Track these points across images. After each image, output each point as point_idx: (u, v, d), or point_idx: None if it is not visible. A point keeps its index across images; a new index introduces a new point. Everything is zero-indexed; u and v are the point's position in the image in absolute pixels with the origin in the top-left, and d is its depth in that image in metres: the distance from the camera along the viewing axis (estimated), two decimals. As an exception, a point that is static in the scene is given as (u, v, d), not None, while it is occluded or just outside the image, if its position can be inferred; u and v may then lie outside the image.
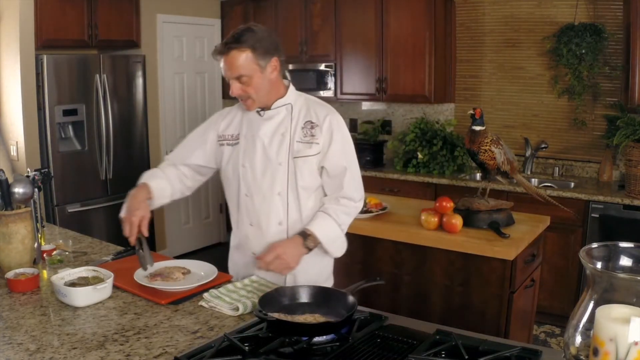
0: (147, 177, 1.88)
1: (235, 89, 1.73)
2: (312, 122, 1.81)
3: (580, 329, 1.10)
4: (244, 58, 1.68)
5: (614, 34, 3.81)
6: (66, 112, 4.03)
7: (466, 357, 1.24)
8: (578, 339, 1.10)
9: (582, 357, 1.08)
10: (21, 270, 1.79)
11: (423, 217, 2.50)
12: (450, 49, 4.43)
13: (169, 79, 4.93)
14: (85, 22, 4.09)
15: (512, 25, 4.21)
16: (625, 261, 1.14)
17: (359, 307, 1.47)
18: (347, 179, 1.82)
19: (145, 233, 1.75)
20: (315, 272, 1.87)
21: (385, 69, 4.40)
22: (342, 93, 4.68)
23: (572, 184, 3.87)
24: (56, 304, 1.65)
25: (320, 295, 1.54)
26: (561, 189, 3.70)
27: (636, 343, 0.96)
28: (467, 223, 2.47)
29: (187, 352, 1.29)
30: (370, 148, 4.55)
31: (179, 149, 1.98)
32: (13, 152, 3.99)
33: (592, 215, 3.47)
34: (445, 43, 4.37)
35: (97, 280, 1.72)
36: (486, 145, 2.43)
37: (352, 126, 4.93)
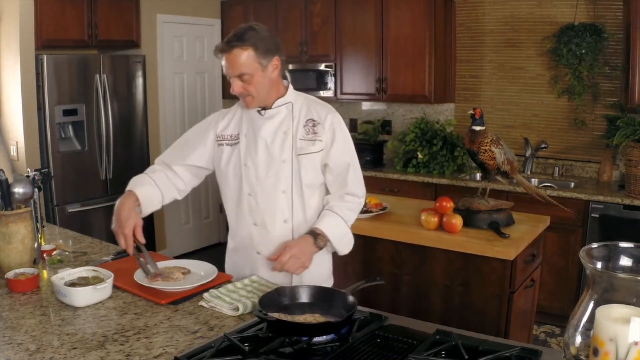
0: (133, 185, 1.84)
1: (237, 87, 1.73)
2: (313, 120, 1.82)
3: (580, 329, 1.10)
4: (246, 56, 1.68)
5: (614, 34, 3.81)
6: (66, 112, 4.03)
7: (466, 357, 1.24)
8: (578, 339, 1.10)
9: (582, 357, 1.08)
10: (21, 270, 1.79)
11: (423, 217, 2.50)
12: (450, 49, 4.43)
13: (169, 79, 4.92)
14: (85, 22, 4.09)
15: (512, 25, 4.21)
16: (625, 261, 1.14)
17: (359, 307, 1.47)
18: (351, 175, 1.83)
19: (142, 240, 1.74)
20: (316, 271, 1.87)
21: (385, 69, 4.40)
22: (342, 93, 4.68)
23: (572, 184, 3.87)
24: (56, 304, 1.65)
25: (320, 295, 1.54)
26: (561, 189, 3.70)
27: (636, 343, 0.96)
28: (467, 223, 2.47)
29: (187, 352, 1.29)
30: (370, 148, 4.55)
31: (174, 150, 1.95)
32: (13, 152, 3.99)
33: (592, 215, 3.47)
34: (445, 43, 4.37)
35: (97, 280, 1.71)
36: (486, 145, 2.43)
37: (352, 126, 4.93)
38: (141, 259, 1.77)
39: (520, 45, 4.19)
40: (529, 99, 4.21)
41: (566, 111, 4.08)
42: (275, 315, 1.39)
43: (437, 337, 1.34)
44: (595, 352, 1.01)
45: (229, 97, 5.25)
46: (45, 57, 3.85)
